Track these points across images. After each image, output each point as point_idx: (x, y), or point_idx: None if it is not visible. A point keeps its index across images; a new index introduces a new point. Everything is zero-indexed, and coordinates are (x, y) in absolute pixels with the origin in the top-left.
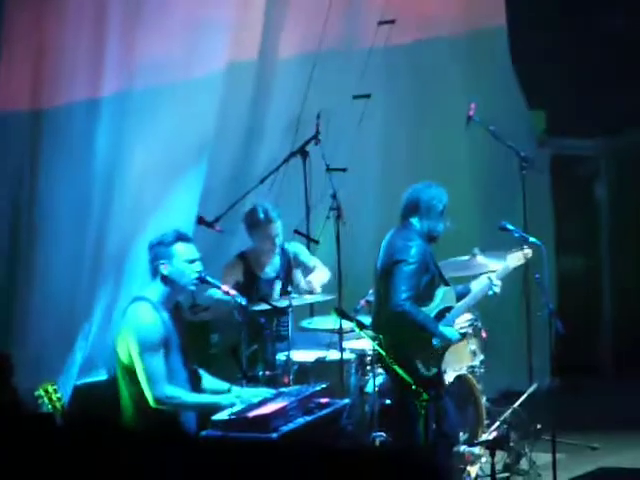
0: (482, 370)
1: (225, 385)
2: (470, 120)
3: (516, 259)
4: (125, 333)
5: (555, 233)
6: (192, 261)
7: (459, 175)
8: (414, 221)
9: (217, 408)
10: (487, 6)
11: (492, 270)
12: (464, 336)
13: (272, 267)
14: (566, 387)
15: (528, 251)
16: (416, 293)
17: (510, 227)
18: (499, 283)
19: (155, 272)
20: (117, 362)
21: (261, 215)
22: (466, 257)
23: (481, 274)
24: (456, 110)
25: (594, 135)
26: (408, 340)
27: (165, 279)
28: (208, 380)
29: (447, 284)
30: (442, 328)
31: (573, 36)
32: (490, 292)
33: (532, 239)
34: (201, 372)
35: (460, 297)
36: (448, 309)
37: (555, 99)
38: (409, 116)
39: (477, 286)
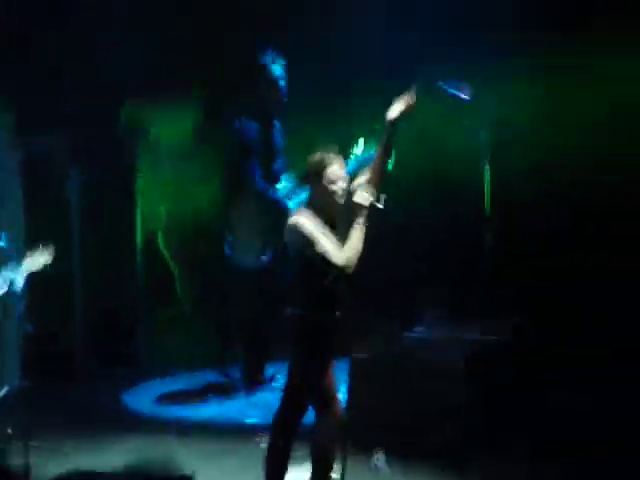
0: None
1: None
2: None
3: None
4: None
5: (25, 234)
6: None
7: None
8: None
9: None
10: None
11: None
12: None
13: None
14: (39, 389)
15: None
16: None
17: None
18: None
19: None
20: None
21: None
22: None
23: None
24: None
25: (61, 136)
26: None
27: None
28: None
29: None
30: None
31: (42, 36)
32: None
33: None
34: None
35: None
36: None
37: (24, 100)
38: None
39: None
